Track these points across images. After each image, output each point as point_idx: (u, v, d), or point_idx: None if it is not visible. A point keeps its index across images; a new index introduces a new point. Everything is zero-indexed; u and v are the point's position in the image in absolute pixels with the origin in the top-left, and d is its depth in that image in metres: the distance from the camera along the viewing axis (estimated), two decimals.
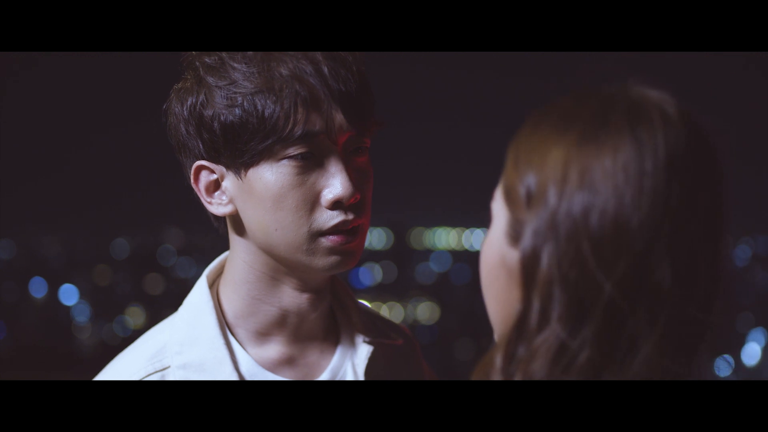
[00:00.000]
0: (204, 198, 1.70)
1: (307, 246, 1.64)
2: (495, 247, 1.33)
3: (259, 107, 1.59)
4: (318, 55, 1.61)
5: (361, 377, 1.76)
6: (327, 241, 1.64)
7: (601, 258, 1.21)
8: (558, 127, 1.26)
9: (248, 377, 1.71)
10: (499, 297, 1.35)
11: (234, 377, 1.69)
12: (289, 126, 1.58)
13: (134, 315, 42.40)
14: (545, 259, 1.24)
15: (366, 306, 1.94)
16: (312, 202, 1.63)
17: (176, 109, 1.67)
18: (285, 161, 1.61)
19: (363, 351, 1.79)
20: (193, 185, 1.70)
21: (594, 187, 1.21)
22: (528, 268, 1.26)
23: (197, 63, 1.66)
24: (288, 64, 1.59)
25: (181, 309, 1.78)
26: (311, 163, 1.62)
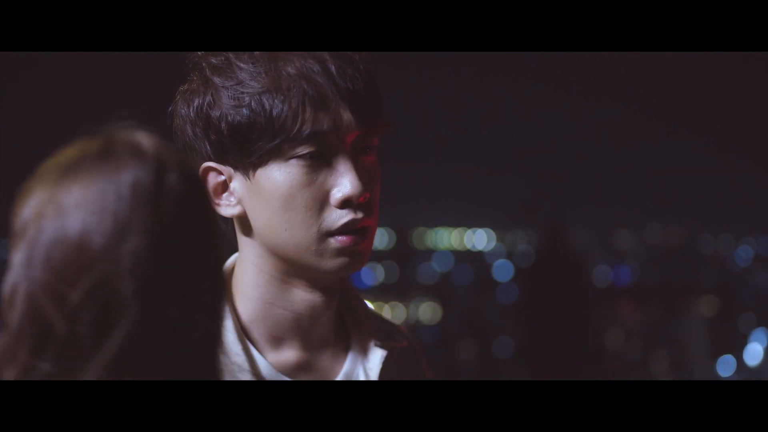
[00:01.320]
0: (212, 200, 1.69)
1: (316, 246, 1.65)
2: None
3: (267, 106, 1.60)
4: (325, 54, 1.62)
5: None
6: (336, 242, 1.65)
7: (65, 283, 1.32)
8: (45, 168, 1.39)
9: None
10: None
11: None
12: (297, 125, 1.60)
13: None
14: (20, 293, 1.34)
15: (369, 307, 1.93)
16: (321, 201, 1.64)
17: (182, 110, 1.68)
18: (293, 161, 1.62)
19: (376, 355, 1.78)
20: None
21: (65, 217, 1.33)
22: (7, 305, 1.36)
23: (203, 64, 1.66)
24: (295, 63, 1.61)
25: None
26: (320, 162, 1.63)
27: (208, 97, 1.65)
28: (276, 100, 1.60)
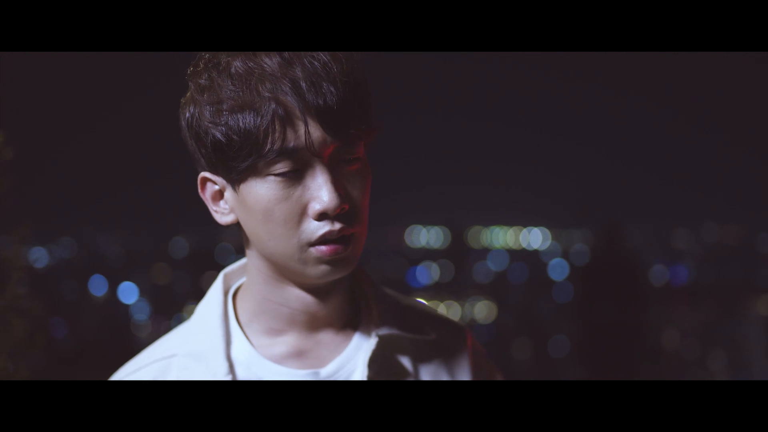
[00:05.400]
0: (211, 207, 1.77)
1: (299, 256, 1.70)
2: None
3: (241, 125, 1.65)
4: (298, 72, 1.65)
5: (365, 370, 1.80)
6: (316, 251, 1.69)
7: None
8: None
9: (243, 366, 1.78)
10: None
11: (224, 365, 1.76)
12: (268, 144, 1.64)
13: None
14: None
15: (403, 298, 1.98)
16: (300, 214, 1.68)
17: (182, 122, 1.75)
18: (270, 177, 1.67)
19: (370, 343, 1.82)
20: (201, 194, 1.78)
21: None
22: None
23: (191, 83, 1.73)
24: (267, 85, 1.65)
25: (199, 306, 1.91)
26: (296, 177, 1.67)
27: (196, 113, 1.71)
28: (249, 119, 1.65)
